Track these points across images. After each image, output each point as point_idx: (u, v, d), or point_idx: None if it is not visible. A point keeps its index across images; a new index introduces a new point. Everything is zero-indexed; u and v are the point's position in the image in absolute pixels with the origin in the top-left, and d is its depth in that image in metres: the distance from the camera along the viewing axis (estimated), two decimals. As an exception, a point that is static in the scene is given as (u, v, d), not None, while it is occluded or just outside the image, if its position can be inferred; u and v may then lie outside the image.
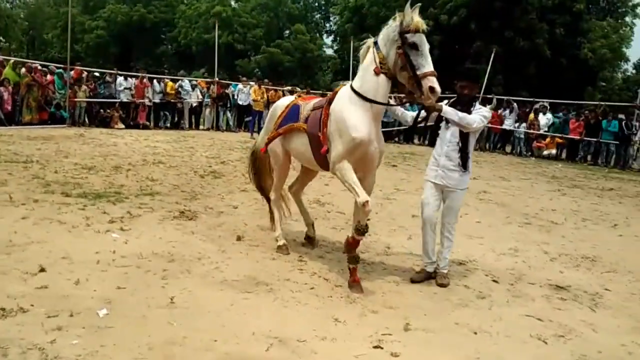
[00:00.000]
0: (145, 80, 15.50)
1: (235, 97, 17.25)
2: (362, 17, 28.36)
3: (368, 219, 3.92)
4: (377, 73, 3.70)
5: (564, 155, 17.14)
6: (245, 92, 16.93)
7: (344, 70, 43.96)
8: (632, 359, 3.18)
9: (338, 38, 45.57)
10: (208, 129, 17.06)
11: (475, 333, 3.40)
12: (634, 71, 37.13)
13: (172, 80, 16.85)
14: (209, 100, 16.96)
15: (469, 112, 3.94)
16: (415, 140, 18.44)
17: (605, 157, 16.30)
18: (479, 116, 3.97)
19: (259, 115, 16.04)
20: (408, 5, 3.57)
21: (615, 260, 5.44)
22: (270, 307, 3.51)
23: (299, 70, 39.87)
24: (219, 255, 4.48)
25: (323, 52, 44.99)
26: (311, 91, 19.47)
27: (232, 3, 41.59)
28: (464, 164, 4.09)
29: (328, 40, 47.00)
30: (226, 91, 17.37)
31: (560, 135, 16.75)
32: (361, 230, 3.85)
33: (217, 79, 17.78)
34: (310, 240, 5.00)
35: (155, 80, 16.06)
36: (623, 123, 15.62)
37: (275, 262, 4.48)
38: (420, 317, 3.56)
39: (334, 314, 3.45)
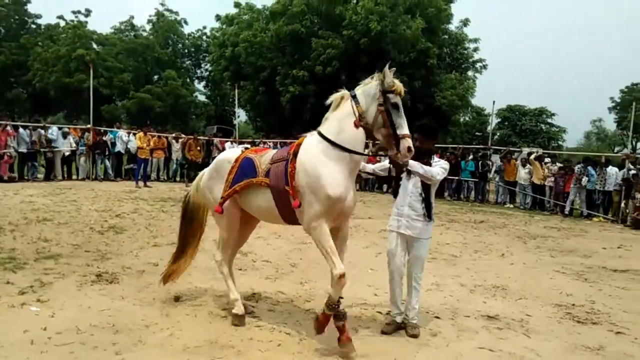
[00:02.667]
0: (8, 128, 13.72)
1: (116, 144, 16.12)
2: (239, 65, 28.76)
3: (341, 297, 3.67)
4: (356, 126, 3.70)
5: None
6: (125, 140, 15.93)
7: (217, 115, 44.09)
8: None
9: (210, 84, 45.65)
10: (83, 179, 15.60)
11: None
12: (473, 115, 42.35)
13: (42, 128, 15.16)
14: (84, 148, 15.57)
15: (429, 165, 4.16)
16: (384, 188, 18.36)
17: (465, 192, 18.38)
18: (440, 168, 4.18)
19: (145, 163, 15.15)
20: (387, 67, 3.69)
21: (520, 287, 6.12)
22: (248, 371, 3.31)
23: (171, 116, 38.60)
24: (165, 320, 4.12)
25: (196, 98, 44.40)
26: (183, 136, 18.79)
27: (95, 46, 39.27)
28: (428, 214, 4.22)
29: (200, 86, 46.68)
30: (104, 138, 16.13)
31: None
32: (333, 305, 3.59)
33: (90, 125, 16.43)
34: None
35: (21, 128, 14.29)
36: (479, 162, 17.88)
37: (228, 321, 4.25)
38: (393, 361, 3.64)
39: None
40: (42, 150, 14.61)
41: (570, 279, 6.77)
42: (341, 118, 3.79)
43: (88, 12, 39.73)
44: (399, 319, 4.32)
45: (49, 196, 11.13)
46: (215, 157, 18.61)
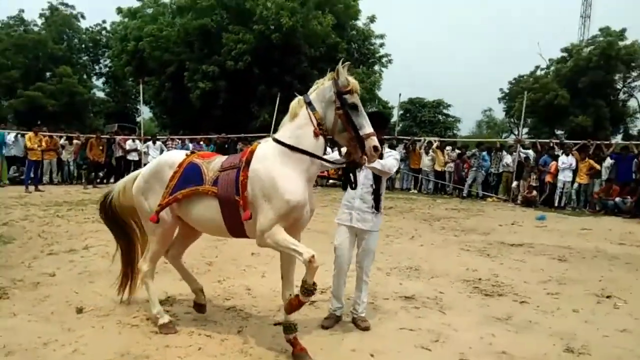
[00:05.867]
0: None
1: (7, 145, 14.64)
2: (142, 61, 27.21)
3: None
4: (316, 135, 3.46)
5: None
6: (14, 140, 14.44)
7: (118, 113, 41.51)
8: (494, 347, 3.80)
9: (110, 81, 42.84)
10: (-38, 186, 13.87)
11: (372, 355, 3.62)
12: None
13: None
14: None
15: (381, 156, 3.97)
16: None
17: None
18: (393, 160, 4.10)
19: (35, 165, 13.82)
20: (340, 65, 3.44)
21: (431, 267, 6.41)
22: (166, 380, 3.08)
23: (66, 114, 35.63)
24: (67, 335, 3.72)
25: (94, 95, 41.47)
26: (81, 135, 17.48)
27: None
28: (376, 206, 4.13)
29: (98, 82, 43.70)
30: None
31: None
32: (309, 289, 3.35)
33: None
34: (200, 308, 4.26)
35: None
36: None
37: (140, 329, 3.94)
38: (317, 352, 3.59)
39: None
40: None
41: (474, 255, 7.24)
42: (298, 127, 3.52)
43: (-30, 7, 35.53)
44: (338, 312, 4.25)
45: None
46: (117, 156, 17.57)
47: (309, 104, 3.52)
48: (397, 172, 18.53)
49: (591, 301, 5.12)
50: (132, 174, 4.34)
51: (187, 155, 3.93)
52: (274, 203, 3.36)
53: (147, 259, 4.08)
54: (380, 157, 3.97)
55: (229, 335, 3.85)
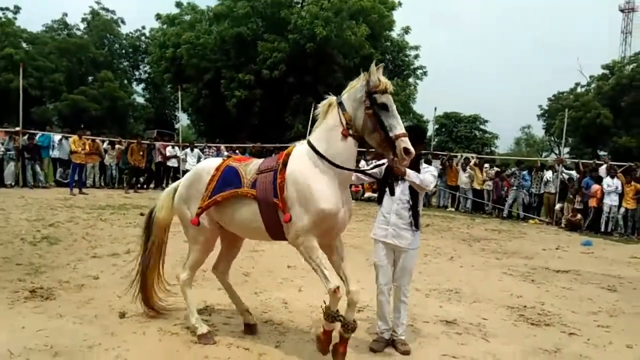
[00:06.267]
0: None
1: (53, 148, 15.21)
2: (180, 67, 27.89)
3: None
4: (345, 136, 3.42)
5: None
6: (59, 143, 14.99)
7: (157, 119, 42.55)
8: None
9: (149, 87, 44.04)
10: (12, 186, 14.44)
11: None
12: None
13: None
14: (13, 152, 14.42)
15: (418, 171, 3.92)
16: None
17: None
18: (430, 175, 3.96)
19: (80, 168, 14.30)
20: (373, 65, 3.39)
21: (472, 290, 6.21)
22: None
23: (108, 119, 36.86)
24: (110, 340, 3.76)
25: (134, 100, 42.75)
26: (123, 140, 18.03)
27: (24, 45, 36.86)
28: (415, 223, 3.99)
29: (138, 88, 45.01)
30: (34, 142, 15.03)
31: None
32: (332, 315, 3.32)
33: (20, 128, 15.25)
34: (250, 328, 4.18)
35: None
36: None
37: (180, 338, 3.95)
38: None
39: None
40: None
41: (517, 280, 6.97)
42: (328, 128, 3.50)
43: (17, 9, 37.62)
44: (386, 335, 4.09)
45: (-29, 204, 10.17)
46: (157, 162, 18.04)
47: (339, 104, 3.50)
48: (435, 188, 18.25)
49: (645, 336, 4.83)
50: (169, 188, 4.39)
51: (223, 159, 3.97)
52: (310, 208, 3.35)
53: (187, 267, 4.07)
54: (418, 170, 3.89)
55: (267, 350, 3.81)
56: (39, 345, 3.51)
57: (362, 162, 12.79)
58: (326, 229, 3.48)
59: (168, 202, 4.23)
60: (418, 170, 3.91)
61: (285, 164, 3.52)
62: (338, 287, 3.22)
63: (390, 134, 3.29)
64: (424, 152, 20.15)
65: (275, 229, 3.56)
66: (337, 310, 3.31)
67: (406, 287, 4.13)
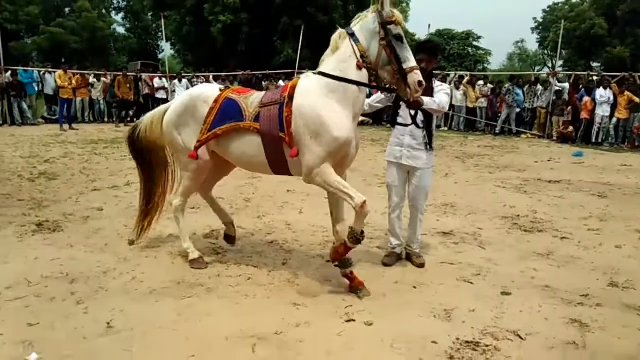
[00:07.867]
0: None
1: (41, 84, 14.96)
2: (161, -7, 26.54)
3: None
4: (359, 67, 3.35)
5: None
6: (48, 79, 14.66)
7: (140, 50, 41.00)
8: (536, 282, 3.83)
9: (129, 15, 42.04)
10: (1, 125, 14.24)
11: (415, 287, 3.69)
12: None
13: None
14: (-6, 89, 14.05)
15: (431, 89, 3.86)
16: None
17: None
18: (445, 95, 3.90)
19: (68, 104, 14.03)
20: None
21: (467, 203, 6.40)
22: (222, 307, 3.23)
23: (89, 52, 35.51)
24: (124, 265, 3.91)
25: (114, 31, 40.98)
26: (108, 73, 17.58)
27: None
28: (429, 142, 4.01)
29: (118, 17, 42.97)
30: (17, 79, 14.59)
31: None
32: (357, 237, 3.33)
33: (1, 65, 14.69)
34: (230, 239, 4.37)
35: None
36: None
37: (191, 261, 4.10)
38: (366, 281, 3.68)
39: (290, 299, 3.36)
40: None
41: (511, 192, 7.17)
42: (342, 60, 3.40)
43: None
44: (398, 250, 4.24)
45: (-38, 145, 10.08)
46: (145, 94, 17.68)
47: (352, 35, 3.41)
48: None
49: (634, 237, 5.07)
50: (160, 108, 4.22)
51: (221, 90, 3.83)
52: (322, 140, 3.30)
53: (179, 193, 4.06)
54: (431, 89, 3.84)
55: (275, 267, 3.98)
56: (55, 273, 3.64)
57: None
58: (341, 160, 3.48)
59: (157, 121, 4.07)
60: (431, 89, 3.85)
61: (291, 98, 3.43)
62: (365, 202, 3.24)
63: (404, 66, 3.25)
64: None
65: (279, 163, 3.55)
66: (363, 233, 3.34)
67: (422, 206, 4.21)
